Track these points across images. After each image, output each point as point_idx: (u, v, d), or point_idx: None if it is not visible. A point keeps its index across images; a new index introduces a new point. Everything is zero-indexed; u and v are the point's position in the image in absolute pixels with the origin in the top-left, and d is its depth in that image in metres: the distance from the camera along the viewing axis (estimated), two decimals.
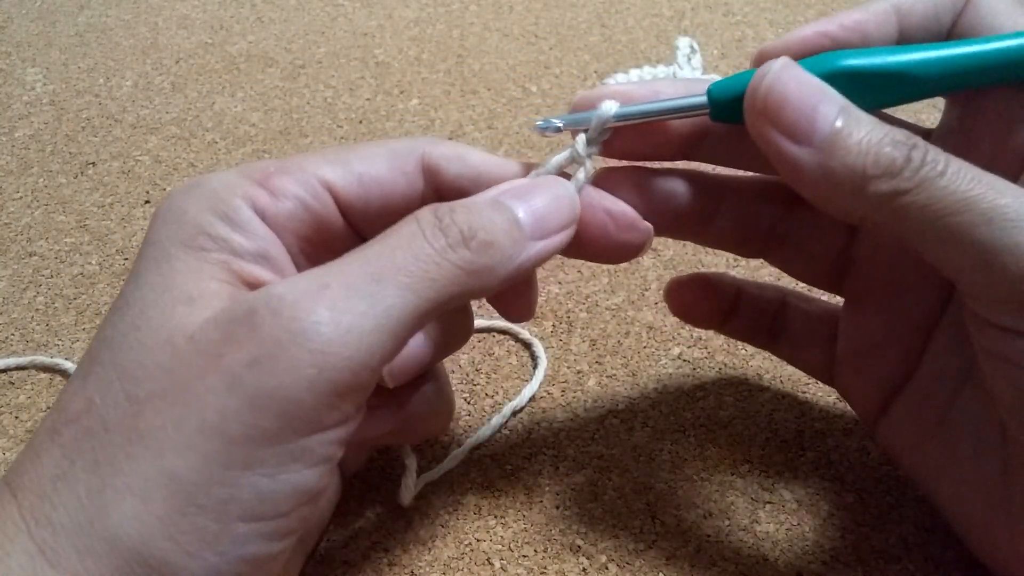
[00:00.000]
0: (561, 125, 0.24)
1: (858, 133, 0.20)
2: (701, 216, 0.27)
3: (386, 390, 0.25)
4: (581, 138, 0.24)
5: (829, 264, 0.28)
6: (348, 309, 0.19)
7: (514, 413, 0.32)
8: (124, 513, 0.18)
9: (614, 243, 0.24)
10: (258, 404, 0.18)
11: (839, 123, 0.20)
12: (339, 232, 0.24)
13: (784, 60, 0.22)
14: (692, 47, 0.54)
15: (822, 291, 0.32)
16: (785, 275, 0.30)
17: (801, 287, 0.36)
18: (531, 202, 0.22)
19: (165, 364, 0.19)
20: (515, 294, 0.25)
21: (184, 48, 0.58)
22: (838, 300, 0.29)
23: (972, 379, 0.24)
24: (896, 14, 0.23)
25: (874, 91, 0.22)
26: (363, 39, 0.59)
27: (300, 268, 0.23)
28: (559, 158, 0.24)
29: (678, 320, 0.33)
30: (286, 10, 0.63)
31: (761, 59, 0.24)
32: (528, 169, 0.25)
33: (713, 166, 0.27)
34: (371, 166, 0.23)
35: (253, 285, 0.21)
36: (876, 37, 0.23)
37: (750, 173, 0.27)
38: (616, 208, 0.24)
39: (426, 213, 0.21)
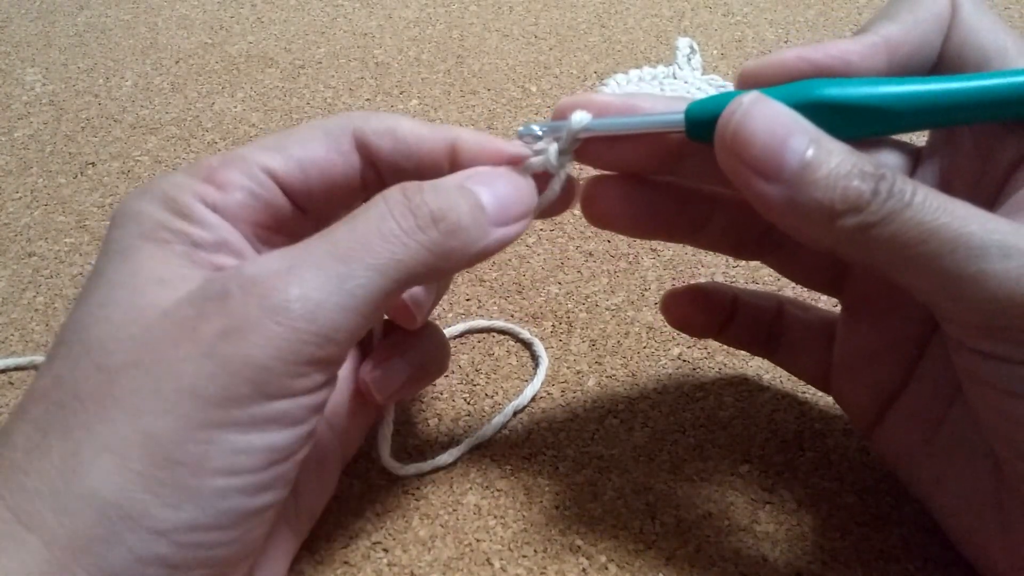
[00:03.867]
0: (541, 133, 0.25)
1: (827, 165, 0.20)
2: (692, 224, 0.27)
3: (394, 342, 0.27)
4: (553, 147, 0.24)
5: (825, 269, 0.28)
6: (317, 287, 0.20)
7: (515, 413, 0.32)
8: (101, 470, 0.19)
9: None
10: (230, 369, 0.19)
11: (809, 154, 0.20)
12: (288, 215, 0.24)
13: (754, 95, 0.21)
14: (692, 47, 0.54)
15: (822, 295, 0.32)
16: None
17: (800, 291, 0.36)
18: (495, 189, 0.23)
19: (137, 336, 0.20)
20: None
21: (184, 48, 0.58)
22: (836, 307, 0.29)
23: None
24: (886, 46, 0.23)
25: (850, 123, 0.22)
26: (363, 39, 0.59)
27: (259, 252, 0.24)
28: (534, 161, 0.25)
29: None
30: (286, 10, 0.63)
31: (744, 80, 0.24)
32: (476, 137, 0.25)
33: None
34: (308, 149, 0.24)
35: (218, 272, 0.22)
36: (861, 68, 0.22)
37: None
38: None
39: (395, 193, 0.22)
